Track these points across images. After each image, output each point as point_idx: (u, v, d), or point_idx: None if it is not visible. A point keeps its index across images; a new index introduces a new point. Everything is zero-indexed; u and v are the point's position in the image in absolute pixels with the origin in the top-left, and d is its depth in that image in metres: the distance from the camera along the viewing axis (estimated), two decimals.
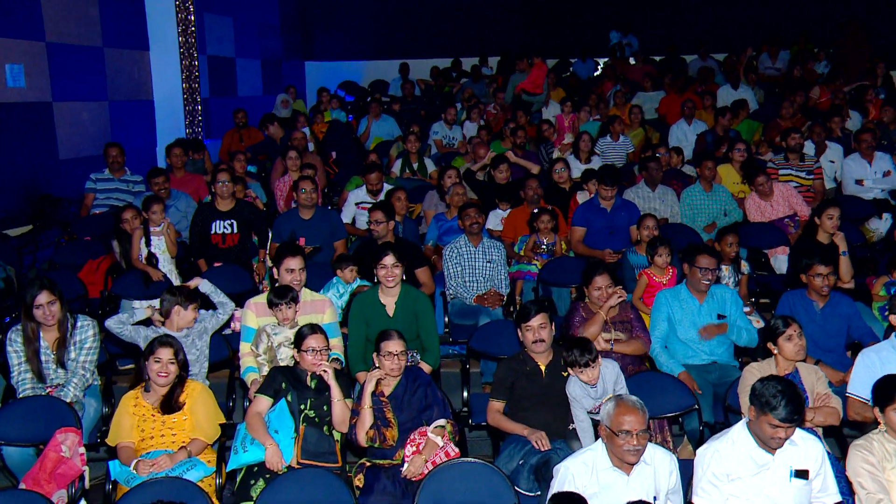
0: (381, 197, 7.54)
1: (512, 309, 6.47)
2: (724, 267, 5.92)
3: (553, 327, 4.52)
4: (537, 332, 4.43)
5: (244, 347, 5.04)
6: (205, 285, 5.16)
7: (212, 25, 12.56)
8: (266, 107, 13.36)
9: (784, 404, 3.35)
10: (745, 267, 6.10)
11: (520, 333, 4.55)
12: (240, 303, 6.10)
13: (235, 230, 6.77)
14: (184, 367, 4.37)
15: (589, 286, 5.04)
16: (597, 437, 3.77)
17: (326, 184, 9.10)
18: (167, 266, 6.46)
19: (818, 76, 12.45)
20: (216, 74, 12.67)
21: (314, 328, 4.47)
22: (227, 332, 5.99)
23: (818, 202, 7.22)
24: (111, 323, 4.92)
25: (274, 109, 12.67)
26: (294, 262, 5.15)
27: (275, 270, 5.27)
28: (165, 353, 4.29)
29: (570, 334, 4.93)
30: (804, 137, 8.20)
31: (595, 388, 4.28)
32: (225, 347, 5.44)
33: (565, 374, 4.42)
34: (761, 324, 5.46)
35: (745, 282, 6.07)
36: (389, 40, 16.33)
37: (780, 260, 7.12)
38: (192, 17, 11.67)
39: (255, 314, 5.08)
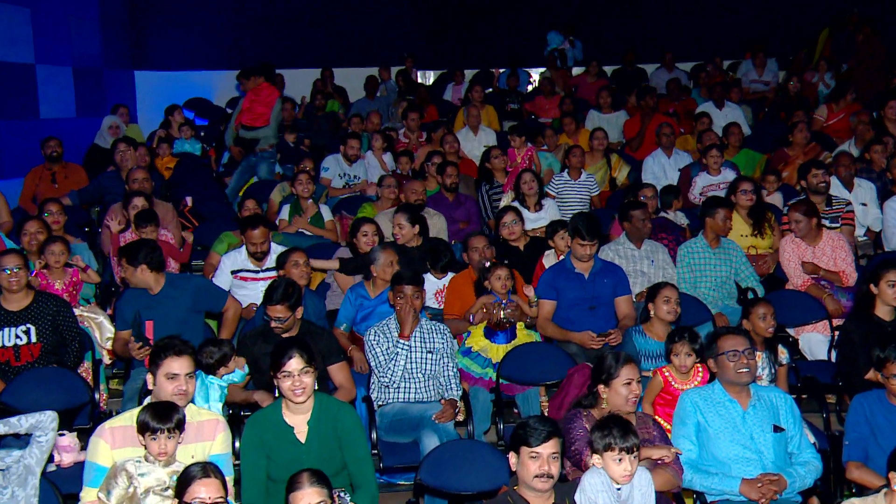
0: (270, 262, 7.19)
1: (463, 417, 6.20)
2: (756, 354, 5.75)
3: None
4: (547, 462, 4.16)
5: (88, 496, 4.53)
6: None
7: None
8: (83, 132, 12.81)
9: None
10: (783, 355, 6.00)
11: (512, 460, 4.28)
12: (67, 424, 5.66)
13: (34, 339, 6.20)
14: None
15: (611, 382, 4.79)
16: None
17: (181, 242, 8.61)
18: None
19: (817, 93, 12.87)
20: (7, 88, 12.05)
21: (206, 470, 4.08)
22: (51, 468, 5.48)
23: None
24: None
25: (97, 138, 12.12)
26: (179, 365, 4.72)
27: (149, 378, 4.82)
28: None
29: (573, 457, 4.70)
30: (829, 173, 8.29)
31: (620, 491, 4.17)
32: (51, 495, 4.85)
33: None
34: (812, 438, 5.31)
35: (783, 375, 5.97)
36: (252, 44, 16.06)
37: (808, 339, 7.08)
38: None
39: (109, 445, 4.58)
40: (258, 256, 7.30)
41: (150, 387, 4.80)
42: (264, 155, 10.70)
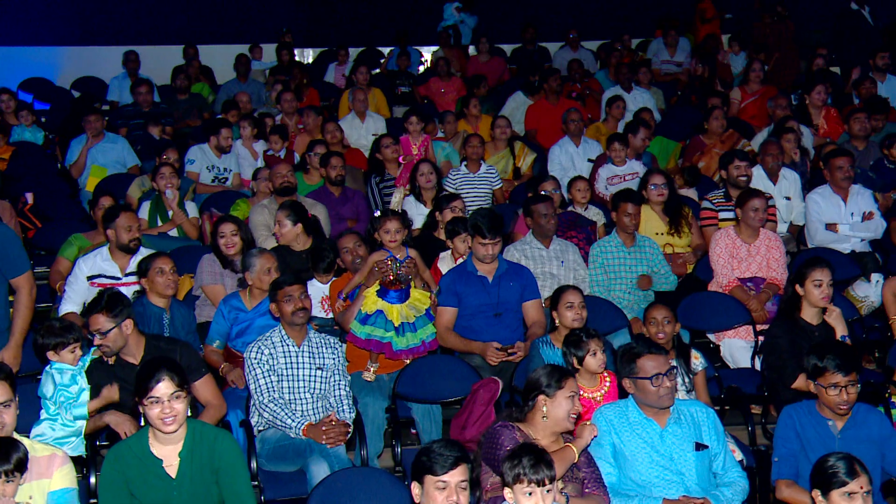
0: (131, 267, 7.05)
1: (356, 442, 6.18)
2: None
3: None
4: (455, 492, 4.14)
5: None
6: None
7: None
8: None
9: None
10: (697, 361, 6.12)
11: (415, 491, 4.26)
12: None
13: None
14: None
15: (556, 393, 4.76)
16: None
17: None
18: None
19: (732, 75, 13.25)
20: None
21: None
22: None
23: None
24: None
25: None
26: None
27: None
28: None
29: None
30: (751, 164, 8.49)
31: None
32: None
33: None
34: (739, 455, 5.46)
35: (702, 384, 6.08)
36: (103, 15, 15.87)
37: (730, 346, 7.28)
38: None
39: None
40: (133, 247, 7.14)
41: None
42: None
